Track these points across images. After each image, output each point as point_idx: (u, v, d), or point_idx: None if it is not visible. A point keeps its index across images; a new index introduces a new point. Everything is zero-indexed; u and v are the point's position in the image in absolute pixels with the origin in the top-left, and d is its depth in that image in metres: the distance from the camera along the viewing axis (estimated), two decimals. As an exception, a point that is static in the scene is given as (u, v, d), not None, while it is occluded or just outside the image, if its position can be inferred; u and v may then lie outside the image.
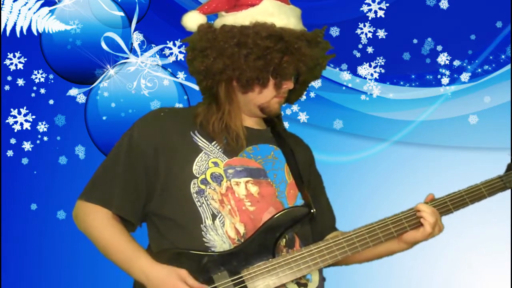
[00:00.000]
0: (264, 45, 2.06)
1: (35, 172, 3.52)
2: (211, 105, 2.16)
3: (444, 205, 2.18)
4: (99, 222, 2.09)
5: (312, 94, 3.51)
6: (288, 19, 2.11)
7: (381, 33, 3.46)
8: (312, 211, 2.09)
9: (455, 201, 2.19)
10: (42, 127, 3.51)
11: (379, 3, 3.46)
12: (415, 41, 3.46)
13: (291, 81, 2.14)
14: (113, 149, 2.16)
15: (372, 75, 3.48)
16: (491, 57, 3.44)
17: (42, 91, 3.51)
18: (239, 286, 2.00)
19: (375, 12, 3.46)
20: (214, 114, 2.14)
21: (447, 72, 3.46)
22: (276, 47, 2.06)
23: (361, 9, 3.47)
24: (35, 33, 3.48)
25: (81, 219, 2.13)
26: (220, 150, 2.11)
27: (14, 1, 3.47)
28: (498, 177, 2.25)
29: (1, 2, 3.44)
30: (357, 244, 2.10)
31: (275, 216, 2.06)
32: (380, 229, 2.12)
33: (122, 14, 3.51)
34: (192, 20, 2.17)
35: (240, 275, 2.01)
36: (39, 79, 3.51)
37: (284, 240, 2.08)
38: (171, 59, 3.53)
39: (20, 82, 3.50)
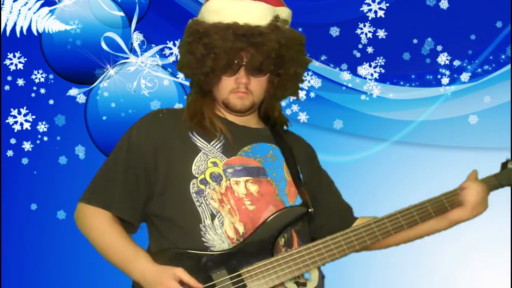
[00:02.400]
0: (187, 41, 2.13)
1: (35, 172, 3.52)
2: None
3: (440, 202, 2.20)
4: (99, 224, 2.10)
5: (312, 94, 3.51)
6: (237, 15, 2.11)
7: (381, 33, 3.46)
8: (309, 210, 2.10)
9: (450, 199, 2.21)
10: (42, 127, 3.51)
11: (379, 3, 3.46)
12: (415, 41, 3.46)
13: (238, 75, 2.12)
14: (112, 151, 2.17)
15: (372, 75, 3.48)
16: (491, 57, 3.44)
17: (42, 91, 3.52)
18: (238, 285, 2.01)
19: (375, 12, 3.46)
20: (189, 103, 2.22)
21: (447, 72, 3.46)
22: (200, 43, 2.09)
23: (361, 9, 3.47)
24: (35, 33, 3.48)
25: (81, 221, 2.14)
26: (219, 150, 2.12)
27: (14, 1, 3.47)
28: (493, 175, 2.28)
29: (1, 2, 3.44)
30: (366, 238, 2.12)
31: (273, 216, 2.06)
32: (403, 216, 2.15)
33: (122, 14, 3.51)
34: None
35: (239, 274, 2.02)
36: (39, 79, 3.51)
37: (283, 239, 2.09)
38: (171, 59, 3.53)
39: (20, 82, 3.51)
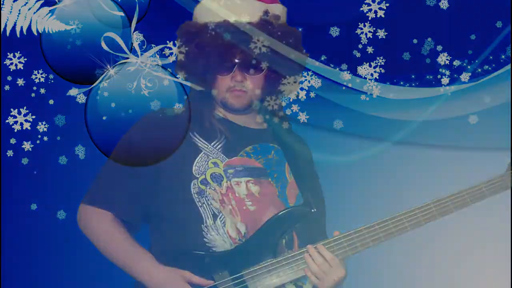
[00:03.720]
0: (180, 43, 2.20)
1: (35, 172, 3.51)
2: None
3: (445, 204, 2.19)
4: (101, 225, 2.11)
5: (312, 94, 3.50)
6: (228, 14, 2.11)
7: (381, 33, 3.46)
8: (312, 210, 2.10)
9: (456, 200, 2.20)
10: (42, 127, 3.51)
11: (379, 3, 3.45)
12: (415, 41, 3.46)
13: (233, 73, 2.12)
14: (113, 152, 2.17)
15: (372, 75, 3.47)
16: (491, 57, 3.44)
17: (42, 91, 3.51)
18: (240, 286, 2.01)
19: (375, 12, 3.46)
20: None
21: (447, 72, 3.46)
22: (192, 43, 2.10)
23: (361, 9, 3.46)
24: (35, 33, 3.48)
25: (84, 222, 2.15)
26: (219, 150, 2.12)
27: (14, 1, 3.47)
28: (499, 176, 2.25)
29: (1, 2, 3.44)
30: (358, 244, 2.11)
31: (276, 216, 2.06)
32: (392, 224, 2.14)
33: (122, 14, 3.50)
34: None
35: (241, 275, 2.02)
36: (39, 79, 3.50)
37: (283, 241, 2.09)
38: (171, 59, 3.52)
39: (20, 82, 3.50)
